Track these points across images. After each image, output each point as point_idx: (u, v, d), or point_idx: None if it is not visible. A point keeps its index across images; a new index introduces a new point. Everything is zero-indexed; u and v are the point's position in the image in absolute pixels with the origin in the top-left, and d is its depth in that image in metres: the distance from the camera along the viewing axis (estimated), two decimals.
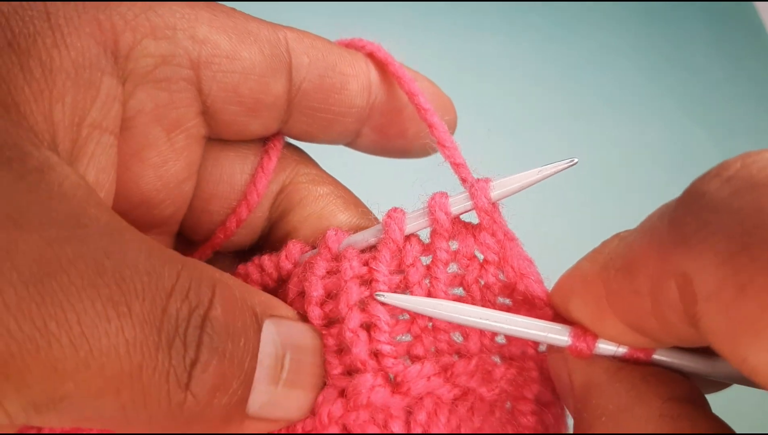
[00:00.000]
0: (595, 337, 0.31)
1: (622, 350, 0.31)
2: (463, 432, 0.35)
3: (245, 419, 0.31)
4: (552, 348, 0.35)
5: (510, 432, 0.36)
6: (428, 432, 0.34)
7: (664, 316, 0.27)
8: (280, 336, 0.32)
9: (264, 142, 0.42)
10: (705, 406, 0.30)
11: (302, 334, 0.34)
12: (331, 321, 0.36)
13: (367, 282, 0.35)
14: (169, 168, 0.37)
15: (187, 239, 0.43)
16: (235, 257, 0.44)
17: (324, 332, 0.35)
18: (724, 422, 0.29)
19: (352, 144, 0.44)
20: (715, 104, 1.33)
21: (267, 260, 0.39)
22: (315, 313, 0.35)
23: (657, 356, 0.31)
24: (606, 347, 0.31)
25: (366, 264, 0.36)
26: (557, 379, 0.35)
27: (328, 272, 0.36)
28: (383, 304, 0.34)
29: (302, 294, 0.37)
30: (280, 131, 0.41)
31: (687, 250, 0.24)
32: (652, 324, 0.28)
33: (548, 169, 0.34)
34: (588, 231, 1.04)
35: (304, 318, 0.36)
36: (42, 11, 0.31)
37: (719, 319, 0.23)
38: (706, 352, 0.31)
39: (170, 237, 0.42)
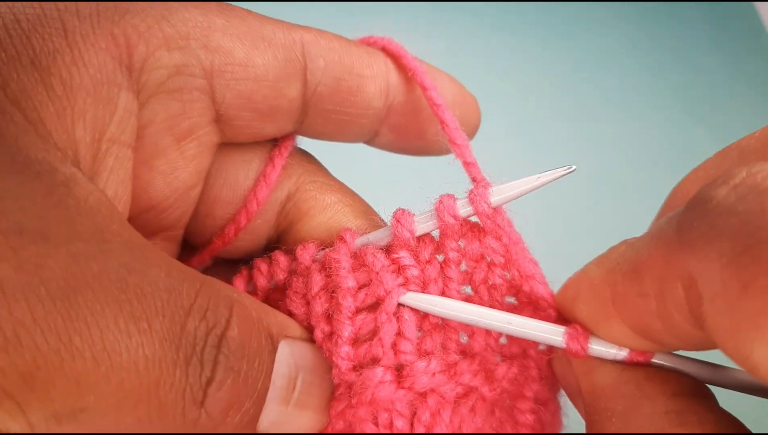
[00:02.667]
0: (587, 336, 0.32)
1: (623, 354, 0.32)
2: (464, 432, 0.36)
3: None
4: (558, 356, 0.36)
5: (509, 432, 0.37)
6: (431, 431, 0.35)
7: (669, 318, 0.27)
8: (294, 358, 0.33)
9: (275, 142, 0.42)
10: (710, 398, 0.31)
11: (314, 356, 0.35)
12: (360, 312, 0.36)
13: (395, 271, 0.36)
14: (177, 175, 0.37)
15: (190, 243, 0.43)
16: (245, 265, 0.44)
17: (350, 317, 0.36)
18: (730, 414, 0.29)
19: (370, 142, 0.44)
20: (715, 104, 1.34)
21: (281, 255, 0.40)
22: (348, 302, 0.36)
23: (656, 360, 0.32)
24: (600, 348, 0.32)
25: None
26: (565, 384, 0.36)
27: (351, 267, 0.37)
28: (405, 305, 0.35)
29: (325, 287, 0.37)
30: (295, 131, 0.41)
31: (693, 252, 0.25)
32: (657, 326, 0.28)
33: (547, 175, 0.35)
34: (587, 229, 1.05)
35: (325, 310, 0.36)
36: (59, 28, 0.31)
37: (723, 318, 0.23)
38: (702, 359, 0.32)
39: (176, 241, 0.42)
